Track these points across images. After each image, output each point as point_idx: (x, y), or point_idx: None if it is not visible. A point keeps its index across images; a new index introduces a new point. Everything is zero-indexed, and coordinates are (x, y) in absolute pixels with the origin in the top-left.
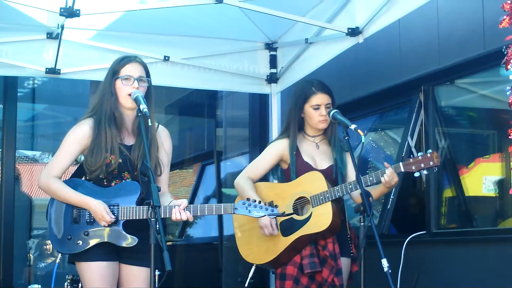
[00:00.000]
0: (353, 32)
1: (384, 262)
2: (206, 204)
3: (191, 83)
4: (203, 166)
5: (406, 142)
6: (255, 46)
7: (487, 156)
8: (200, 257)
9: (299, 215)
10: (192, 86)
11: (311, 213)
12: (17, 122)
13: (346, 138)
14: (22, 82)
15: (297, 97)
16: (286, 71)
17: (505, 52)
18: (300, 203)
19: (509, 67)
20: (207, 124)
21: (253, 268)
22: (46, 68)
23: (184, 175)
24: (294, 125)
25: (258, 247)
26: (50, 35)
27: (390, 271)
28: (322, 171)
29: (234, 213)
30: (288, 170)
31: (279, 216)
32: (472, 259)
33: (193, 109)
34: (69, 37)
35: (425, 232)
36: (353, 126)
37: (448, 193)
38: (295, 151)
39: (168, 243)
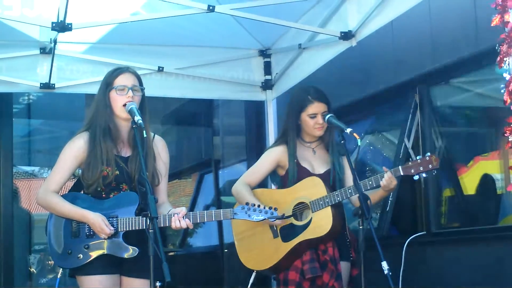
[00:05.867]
0: (346, 35)
1: (384, 265)
2: (205, 211)
3: (186, 92)
4: (201, 175)
5: (403, 144)
6: (248, 53)
7: (486, 154)
8: (201, 266)
9: (298, 220)
10: (187, 96)
11: (311, 218)
12: (14, 138)
13: (342, 142)
14: (17, 98)
15: (294, 105)
16: (281, 77)
17: (498, 50)
18: (300, 209)
19: (502, 65)
20: (204, 133)
21: (254, 274)
22: (41, 83)
23: (183, 185)
24: (293, 133)
25: (258, 253)
26: (43, 50)
27: (390, 273)
28: (319, 176)
29: (233, 218)
30: (285, 177)
31: (279, 219)
32: (473, 257)
33: (190, 119)
34: (62, 51)
35: (425, 232)
36: (348, 130)
37: (447, 192)
38: (295, 159)
39: (169, 254)
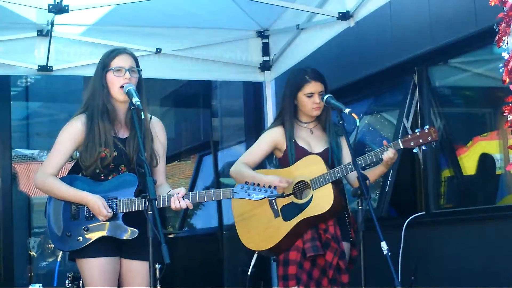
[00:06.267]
0: (344, 16)
1: (383, 245)
2: (204, 191)
3: (184, 74)
4: (200, 157)
5: (402, 124)
6: (246, 34)
7: (485, 134)
8: (201, 248)
9: (299, 199)
10: (185, 77)
11: (312, 196)
12: (12, 121)
13: (341, 122)
14: (15, 81)
15: (291, 85)
16: (279, 58)
17: (497, 30)
18: (300, 188)
19: (501, 44)
20: (202, 115)
21: (255, 255)
22: (38, 66)
23: (183, 167)
24: (290, 113)
25: (259, 234)
26: (40, 33)
27: (389, 253)
28: (317, 154)
29: (233, 198)
30: (283, 158)
31: (279, 197)
32: (472, 237)
33: (188, 100)
34: (60, 34)
35: (424, 213)
36: (347, 110)
37: (446, 173)
38: (293, 139)
39: (169, 235)
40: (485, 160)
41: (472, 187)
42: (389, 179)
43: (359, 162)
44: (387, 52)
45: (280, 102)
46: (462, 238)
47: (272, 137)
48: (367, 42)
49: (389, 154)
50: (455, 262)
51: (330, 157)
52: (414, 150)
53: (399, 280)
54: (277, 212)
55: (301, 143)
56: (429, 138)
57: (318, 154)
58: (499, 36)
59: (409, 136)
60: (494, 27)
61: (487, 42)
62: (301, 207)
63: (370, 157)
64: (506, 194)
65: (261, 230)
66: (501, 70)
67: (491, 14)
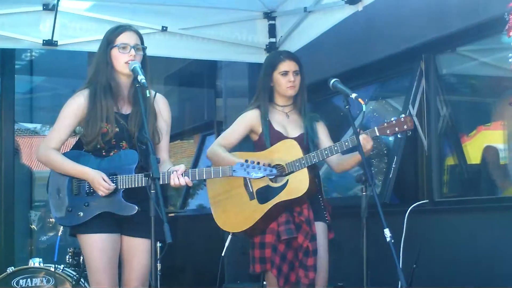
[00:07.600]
0: (352, 0)
1: (387, 232)
2: (204, 168)
3: (190, 53)
4: (203, 137)
5: (408, 111)
6: (253, 15)
7: (489, 124)
8: (202, 228)
9: (274, 182)
10: (190, 57)
11: (288, 179)
12: (16, 94)
13: (347, 107)
14: (20, 55)
15: (266, 66)
16: (286, 40)
17: (507, 19)
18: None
19: (511, 34)
20: (206, 95)
21: (230, 236)
22: (43, 40)
23: (185, 146)
24: (264, 94)
25: (235, 215)
26: (46, 7)
27: (392, 240)
28: (293, 139)
29: (232, 175)
30: (259, 141)
31: (279, 176)
32: (474, 227)
33: (193, 80)
34: (66, 9)
35: (427, 201)
36: (353, 95)
37: (450, 161)
38: (268, 122)
39: (170, 215)
40: (489, 150)
41: (475, 176)
42: (393, 165)
43: (335, 148)
44: (395, 38)
45: (257, 84)
46: (464, 228)
47: (248, 120)
48: (374, 27)
49: (364, 141)
50: (457, 251)
51: (306, 142)
52: (390, 138)
53: (401, 267)
54: (252, 195)
55: (277, 127)
56: (405, 127)
57: (293, 138)
58: (509, 25)
59: (385, 124)
60: (505, 16)
61: (496, 31)
62: (277, 191)
63: (346, 144)
64: (510, 185)
65: (236, 212)
66: (510, 60)
67: (502, 3)
